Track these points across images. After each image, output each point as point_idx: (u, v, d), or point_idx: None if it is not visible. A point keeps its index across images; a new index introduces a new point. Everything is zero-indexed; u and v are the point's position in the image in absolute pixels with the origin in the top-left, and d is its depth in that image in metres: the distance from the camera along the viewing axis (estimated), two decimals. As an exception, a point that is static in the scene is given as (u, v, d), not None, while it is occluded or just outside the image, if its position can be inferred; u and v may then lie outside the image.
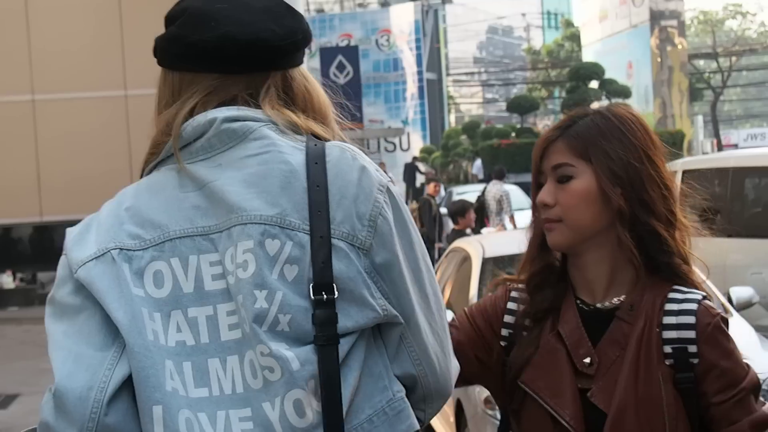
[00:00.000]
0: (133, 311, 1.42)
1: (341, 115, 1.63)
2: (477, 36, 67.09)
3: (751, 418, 1.75)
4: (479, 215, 12.64)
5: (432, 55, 38.18)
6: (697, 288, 1.82)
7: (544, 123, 49.87)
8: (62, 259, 1.49)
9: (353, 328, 1.44)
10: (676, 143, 27.11)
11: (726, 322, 1.79)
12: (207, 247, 1.46)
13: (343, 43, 33.93)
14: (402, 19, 35.80)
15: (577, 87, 29.78)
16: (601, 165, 1.78)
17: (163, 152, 1.53)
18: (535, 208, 1.86)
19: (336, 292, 1.43)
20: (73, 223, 1.56)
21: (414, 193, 26.64)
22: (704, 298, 1.79)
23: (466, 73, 52.91)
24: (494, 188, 14.23)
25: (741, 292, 6.46)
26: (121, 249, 1.46)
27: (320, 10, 38.21)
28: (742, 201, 9.22)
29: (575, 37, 42.95)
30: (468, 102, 58.19)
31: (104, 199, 1.58)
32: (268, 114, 1.51)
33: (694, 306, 1.76)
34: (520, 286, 1.90)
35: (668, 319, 1.76)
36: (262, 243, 1.42)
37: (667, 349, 1.75)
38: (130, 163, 11.65)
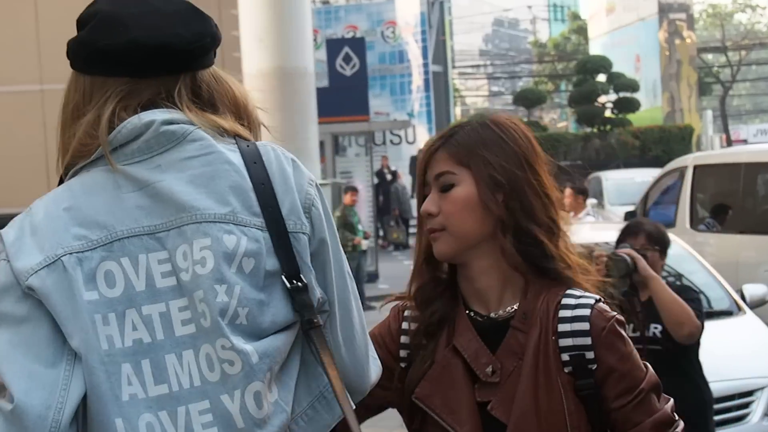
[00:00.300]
0: (88, 325, 1.43)
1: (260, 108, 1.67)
2: (483, 28, 66.96)
3: (653, 418, 1.75)
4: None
5: (437, 48, 38.10)
6: (586, 290, 1.81)
7: (550, 116, 49.84)
8: (3, 264, 1.48)
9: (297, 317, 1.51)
10: (684, 138, 27.05)
11: (622, 324, 1.78)
12: (154, 246, 1.49)
13: (349, 35, 33.88)
14: (407, 11, 35.70)
15: (584, 80, 29.68)
16: (481, 172, 1.78)
17: (95, 154, 1.53)
18: (420, 220, 1.85)
19: (305, 280, 1.50)
20: None
21: (420, 185, 26.57)
22: (597, 301, 1.79)
23: (472, 66, 52.78)
24: None
25: (754, 290, 6.41)
26: (71, 253, 1.46)
27: (326, 2, 38.13)
28: (754, 197, 9.18)
29: (582, 30, 42.80)
30: (474, 95, 58.07)
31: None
32: (189, 117, 1.54)
33: (587, 311, 1.76)
34: (411, 304, 1.87)
35: (563, 327, 1.75)
36: (220, 239, 1.47)
37: (565, 357, 1.74)
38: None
